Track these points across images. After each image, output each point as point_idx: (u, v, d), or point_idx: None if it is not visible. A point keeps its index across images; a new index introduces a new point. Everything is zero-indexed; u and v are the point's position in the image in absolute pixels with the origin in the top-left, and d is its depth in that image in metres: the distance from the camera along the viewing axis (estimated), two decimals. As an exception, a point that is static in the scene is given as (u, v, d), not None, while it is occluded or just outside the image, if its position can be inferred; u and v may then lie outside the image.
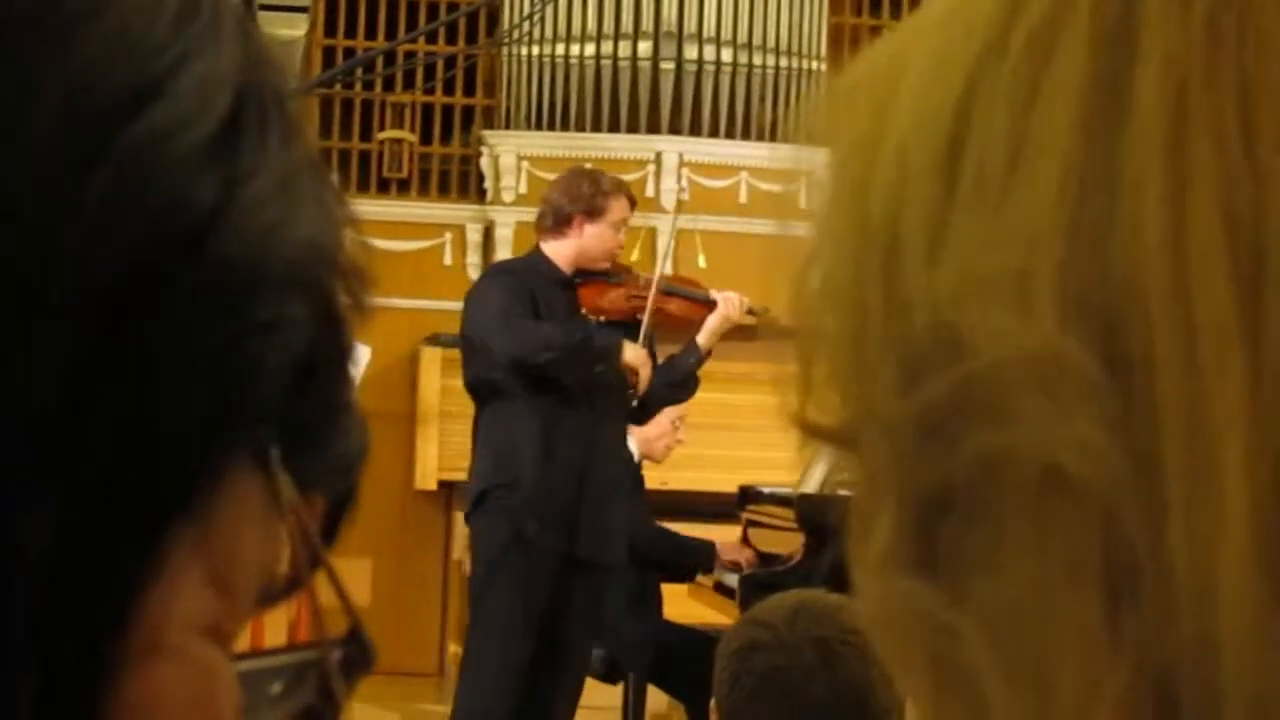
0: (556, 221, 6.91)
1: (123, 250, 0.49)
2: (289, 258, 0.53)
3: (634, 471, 7.66)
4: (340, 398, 0.57)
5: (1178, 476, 0.44)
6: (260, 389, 0.52)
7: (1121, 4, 0.46)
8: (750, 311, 7.39)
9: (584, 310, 6.97)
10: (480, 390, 6.89)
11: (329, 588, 0.60)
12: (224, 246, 0.51)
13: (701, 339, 7.17)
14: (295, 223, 0.54)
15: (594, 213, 6.88)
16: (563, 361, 6.66)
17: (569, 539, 6.74)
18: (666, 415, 7.60)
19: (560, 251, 6.89)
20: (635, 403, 6.97)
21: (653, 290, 7.12)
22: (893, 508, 0.51)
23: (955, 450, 0.48)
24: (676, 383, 7.08)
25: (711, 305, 7.25)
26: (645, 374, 6.90)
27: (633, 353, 6.86)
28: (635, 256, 7.52)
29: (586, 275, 6.96)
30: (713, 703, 2.76)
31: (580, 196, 6.88)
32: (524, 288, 6.83)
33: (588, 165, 7.76)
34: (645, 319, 7.05)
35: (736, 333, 9.16)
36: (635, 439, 7.68)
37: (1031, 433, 0.46)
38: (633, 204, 7.04)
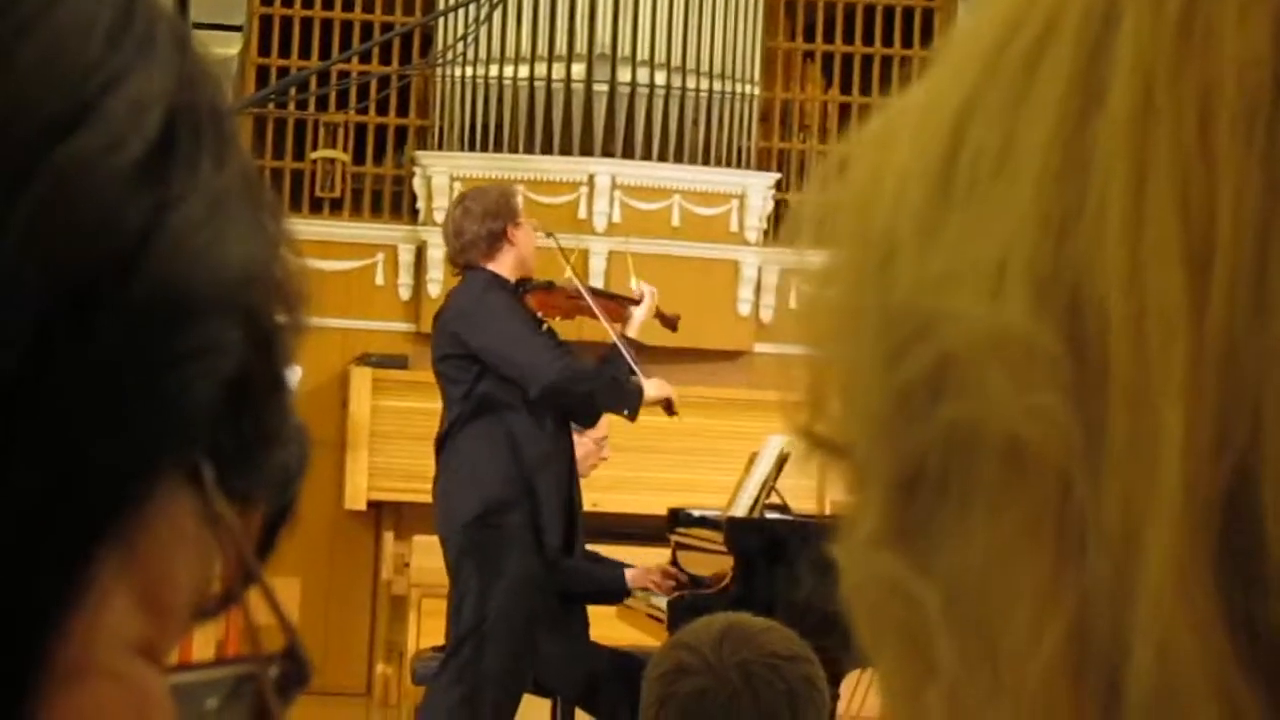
0: (492, 241, 6.96)
1: (49, 273, 0.49)
2: (220, 280, 0.53)
3: None
4: (275, 417, 0.57)
5: (1120, 441, 0.47)
6: (190, 411, 0.52)
7: (1102, 18, 0.49)
8: (656, 311, 7.62)
9: (538, 314, 7.16)
10: (481, 404, 6.91)
11: (264, 604, 0.60)
12: (153, 269, 0.51)
13: (632, 333, 7.39)
14: (227, 245, 0.53)
15: (515, 216, 7.03)
16: (599, 396, 6.96)
17: (566, 543, 6.90)
18: (593, 434, 7.65)
19: (502, 266, 6.97)
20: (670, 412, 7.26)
21: (586, 293, 7.44)
22: (875, 491, 0.53)
23: (926, 426, 0.50)
24: (621, 379, 7.22)
25: (634, 302, 7.52)
26: (673, 395, 7.20)
27: (654, 388, 7.16)
28: (567, 274, 7.54)
29: (527, 285, 7.13)
30: (638, 725, 2.77)
31: (500, 211, 7.00)
32: (513, 306, 6.98)
33: (518, 187, 7.82)
34: (604, 322, 7.33)
35: (664, 356, 9.17)
36: None
37: (995, 405, 0.48)
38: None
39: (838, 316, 0.54)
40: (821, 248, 0.55)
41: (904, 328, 0.50)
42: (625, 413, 7.03)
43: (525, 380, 6.78)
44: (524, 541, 6.76)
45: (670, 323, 7.83)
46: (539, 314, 7.14)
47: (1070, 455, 0.47)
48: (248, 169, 0.56)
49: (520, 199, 7.11)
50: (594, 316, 7.43)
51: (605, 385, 6.93)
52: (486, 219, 6.96)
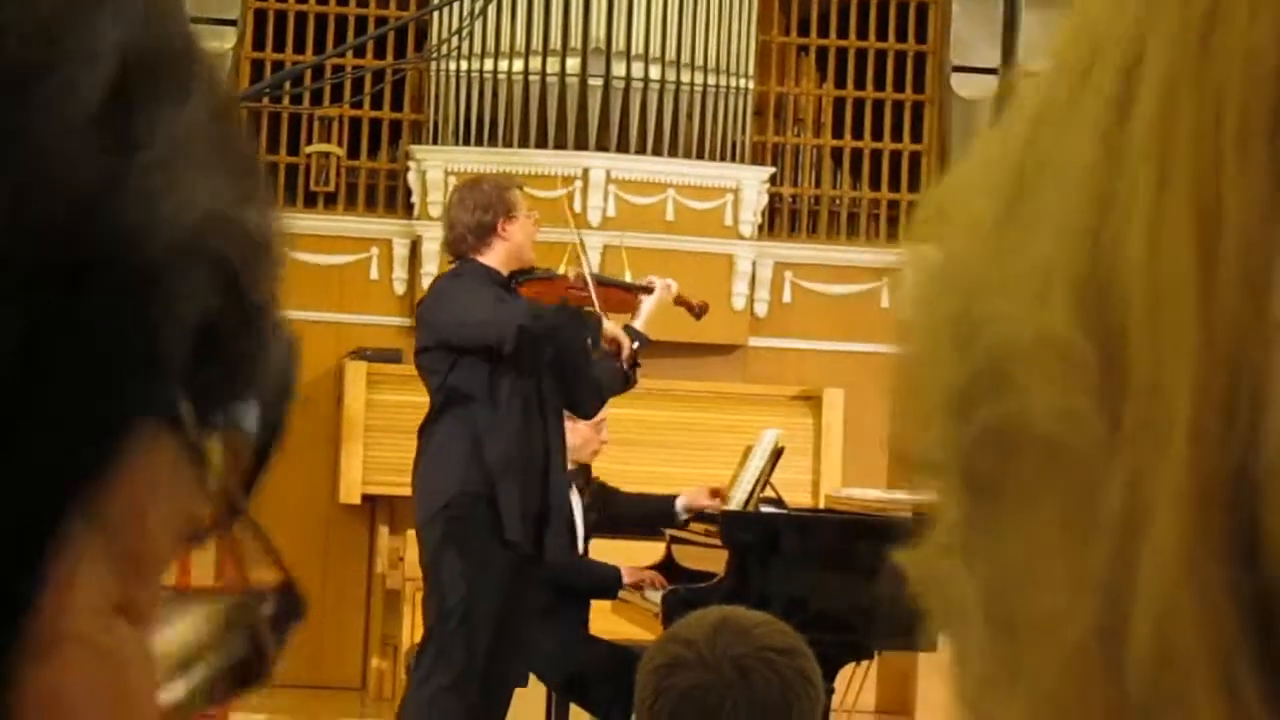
0: (479, 236, 6.93)
1: (4, 225, 0.49)
2: (183, 225, 0.52)
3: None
4: (253, 349, 0.56)
5: (1131, 426, 0.48)
6: (158, 362, 0.52)
7: (1136, 37, 0.51)
8: (677, 298, 7.57)
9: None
10: (451, 396, 6.90)
11: (254, 540, 0.59)
12: (114, 217, 0.51)
13: (639, 323, 7.33)
14: (189, 189, 0.53)
15: (510, 210, 6.97)
16: (562, 328, 6.88)
17: (536, 540, 6.81)
18: (582, 422, 7.67)
19: (494, 258, 6.95)
20: (627, 377, 7.20)
21: (590, 281, 7.31)
22: (945, 497, 0.55)
23: (979, 426, 0.52)
24: (630, 375, 7.23)
25: (642, 291, 7.46)
26: (626, 344, 7.11)
27: (611, 326, 7.11)
28: (562, 270, 7.54)
29: (522, 276, 7.05)
30: (633, 718, 2.77)
31: (491, 203, 6.96)
32: (490, 282, 6.93)
33: (517, 179, 7.81)
34: (598, 309, 7.22)
35: (662, 349, 9.18)
36: None
37: (1034, 407, 0.50)
38: (522, 190, 7.22)
39: (918, 325, 0.56)
40: (917, 262, 0.57)
41: (965, 331, 0.53)
42: (589, 342, 7.02)
43: (495, 338, 6.74)
44: (483, 535, 6.75)
45: (696, 311, 7.77)
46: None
47: (1097, 454, 0.49)
48: (217, 107, 0.55)
49: (517, 193, 7.05)
50: (596, 306, 7.35)
51: (568, 319, 6.93)
52: (477, 211, 6.94)
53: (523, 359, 6.80)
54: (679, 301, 7.64)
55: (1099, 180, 0.51)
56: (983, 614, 0.53)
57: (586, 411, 7.38)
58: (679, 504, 7.90)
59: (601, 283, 7.49)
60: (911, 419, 0.57)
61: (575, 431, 7.68)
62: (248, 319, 0.55)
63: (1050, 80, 0.55)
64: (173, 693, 0.55)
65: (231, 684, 0.57)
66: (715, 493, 7.80)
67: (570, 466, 7.81)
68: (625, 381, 7.24)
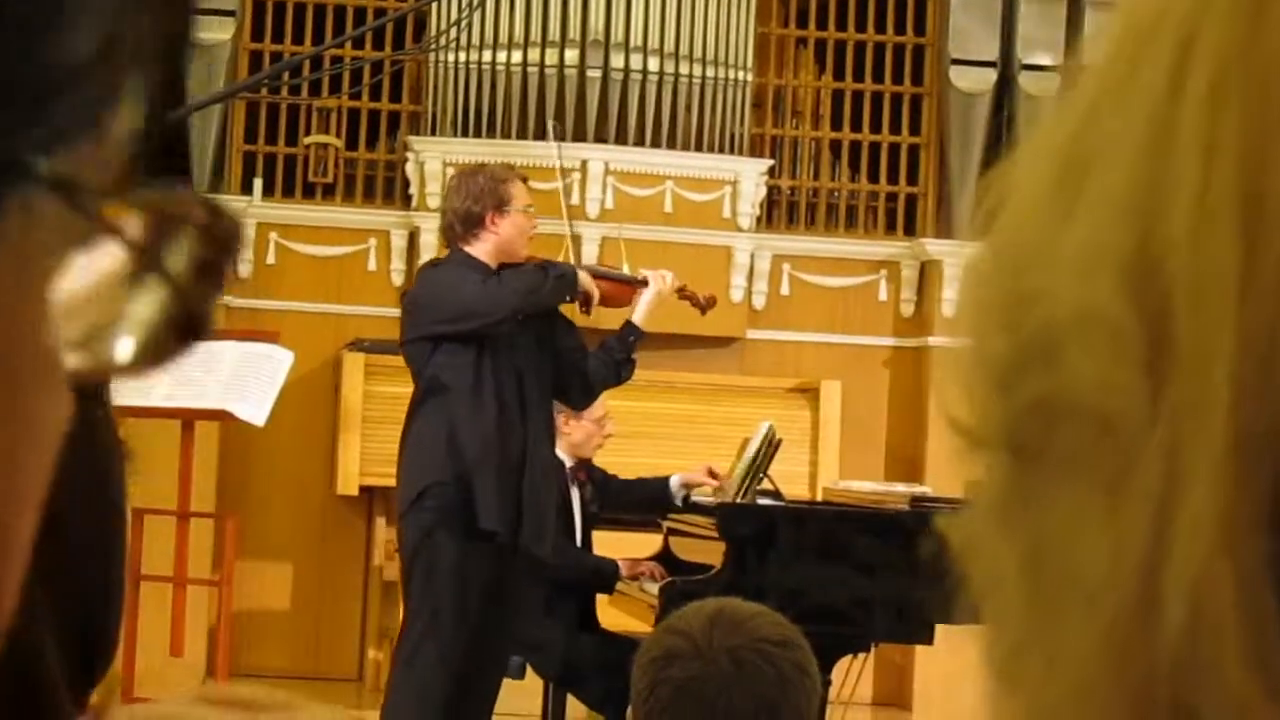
0: (467, 226, 6.90)
1: None
2: None
3: (564, 489, 7.72)
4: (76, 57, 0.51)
5: (1173, 398, 0.50)
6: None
7: (1191, 15, 0.52)
8: (681, 291, 7.50)
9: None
10: (430, 387, 6.90)
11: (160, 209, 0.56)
12: None
13: (636, 317, 7.24)
14: None
15: (501, 204, 6.90)
16: (550, 296, 6.91)
17: (512, 530, 6.78)
18: (590, 416, 7.67)
19: (482, 250, 6.91)
20: (619, 371, 7.17)
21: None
22: (991, 461, 0.56)
23: (1027, 396, 0.53)
24: (620, 362, 7.17)
25: (640, 284, 7.36)
26: (595, 292, 7.10)
27: (583, 277, 7.12)
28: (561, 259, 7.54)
29: (510, 270, 6.98)
30: (630, 710, 2.78)
31: (483, 194, 6.89)
32: (472, 269, 6.89)
33: (519, 171, 7.77)
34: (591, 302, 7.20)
35: (660, 341, 9.17)
36: (564, 444, 7.74)
37: (1081, 379, 0.51)
38: (526, 183, 7.10)
39: (972, 315, 0.57)
40: (980, 236, 0.58)
41: (1016, 305, 0.54)
42: (568, 298, 7.04)
43: (497, 316, 6.74)
44: (459, 524, 6.75)
45: (703, 305, 7.70)
46: None
47: (1142, 427, 0.50)
48: None
49: (515, 186, 6.96)
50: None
51: (555, 285, 6.92)
52: (468, 201, 6.90)
53: (502, 350, 6.78)
54: (684, 295, 7.58)
55: (1149, 160, 0.51)
56: (1021, 581, 0.54)
57: (578, 403, 7.37)
58: (674, 482, 7.90)
59: (594, 274, 7.42)
60: (959, 391, 0.57)
61: (579, 427, 7.70)
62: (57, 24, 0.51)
63: (1106, 62, 0.55)
64: (120, 352, 0.54)
65: (173, 340, 0.55)
66: (712, 472, 7.79)
67: (570, 462, 7.82)
68: (617, 376, 7.21)
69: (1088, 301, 0.51)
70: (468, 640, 6.74)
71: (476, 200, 6.89)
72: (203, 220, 0.55)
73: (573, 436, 7.80)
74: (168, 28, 0.54)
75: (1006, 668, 0.55)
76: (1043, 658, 0.53)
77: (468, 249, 6.91)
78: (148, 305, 0.54)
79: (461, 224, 6.90)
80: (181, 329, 0.55)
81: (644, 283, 7.35)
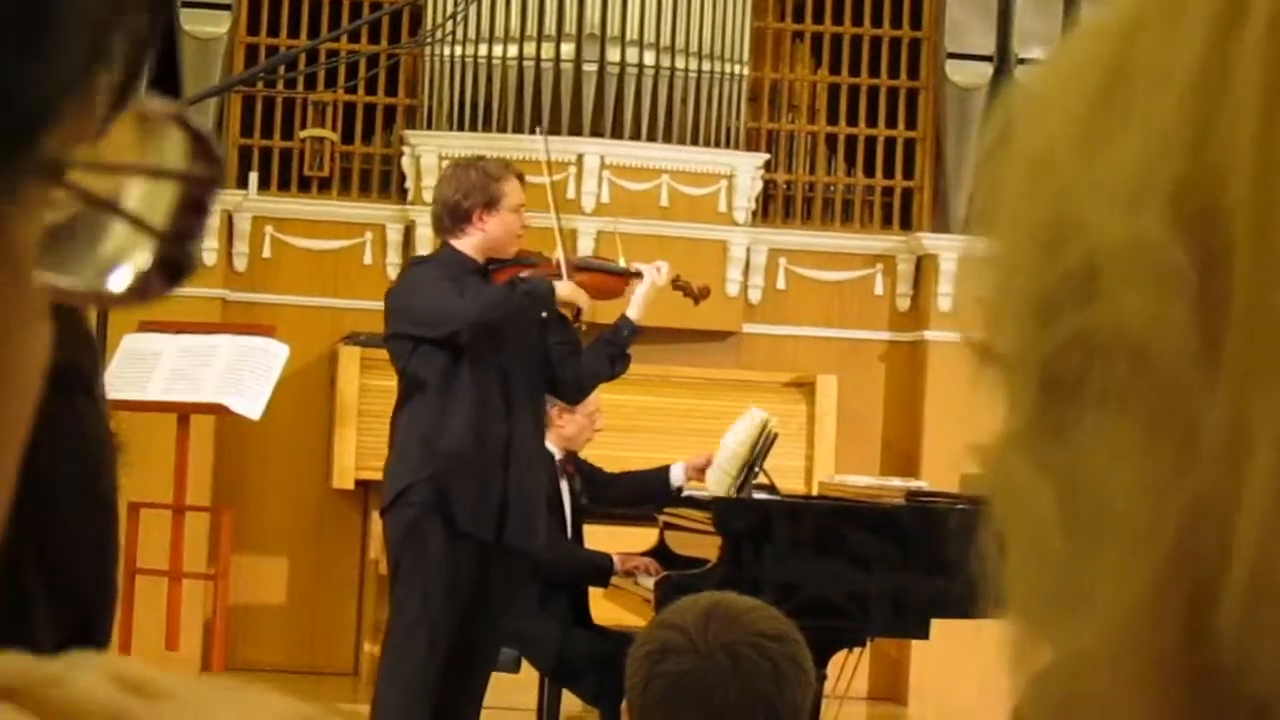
0: (454, 220, 6.87)
1: None
2: None
3: (555, 482, 7.71)
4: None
5: (1236, 352, 0.48)
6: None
7: None
8: (675, 281, 7.45)
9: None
10: (410, 385, 6.89)
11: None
12: None
13: (631, 311, 7.19)
14: None
15: (490, 203, 6.84)
16: (514, 313, 6.75)
17: (495, 528, 6.75)
18: (583, 410, 7.66)
19: (468, 245, 6.87)
20: (612, 366, 7.09)
21: (565, 268, 7.14)
22: (1020, 391, 0.54)
23: (1067, 328, 0.52)
24: (613, 355, 7.11)
25: (630, 276, 7.30)
26: (584, 302, 6.98)
27: (565, 289, 6.94)
28: (558, 255, 7.51)
29: (500, 262, 6.96)
30: (624, 705, 2.78)
31: (473, 190, 6.84)
32: (447, 274, 6.83)
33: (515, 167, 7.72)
34: (564, 274, 7.09)
35: (656, 335, 9.16)
36: (555, 440, 7.74)
37: (1127, 312, 0.50)
38: (522, 181, 6.99)
39: (1002, 221, 0.55)
40: (997, 155, 0.56)
41: (1056, 232, 0.52)
42: (544, 314, 6.85)
43: (451, 328, 6.69)
44: (438, 524, 6.73)
45: (696, 296, 7.66)
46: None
47: (1190, 364, 0.49)
48: None
49: (508, 184, 6.89)
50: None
51: (519, 302, 6.78)
52: (457, 194, 6.85)
53: (483, 348, 6.75)
54: (677, 286, 7.53)
55: (1202, 94, 0.50)
56: (1058, 517, 0.52)
57: (570, 398, 7.34)
58: (676, 471, 7.89)
59: (585, 268, 7.37)
60: (987, 315, 0.56)
61: (572, 421, 7.70)
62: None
63: None
64: (117, 281, 0.56)
65: (162, 277, 0.57)
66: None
67: (560, 455, 7.82)
68: (611, 370, 7.18)
69: (1135, 233, 0.50)
70: (451, 638, 6.73)
71: (466, 195, 6.85)
72: (186, 155, 0.57)
73: (565, 430, 7.80)
74: None
75: (1037, 609, 0.54)
76: (1081, 597, 0.51)
77: (454, 243, 6.89)
78: (133, 243, 0.56)
79: (449, 217, 6.88)
80: (168, 269, 0.57)
81: (637, 275, 7.29)
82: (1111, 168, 0.51)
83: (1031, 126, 0.55)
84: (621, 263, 7.63)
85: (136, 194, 0.56)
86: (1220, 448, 0.48)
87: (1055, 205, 0.52)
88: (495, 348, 6.77)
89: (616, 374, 7.24)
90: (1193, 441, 0.49)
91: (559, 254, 7.19)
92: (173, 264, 0.57)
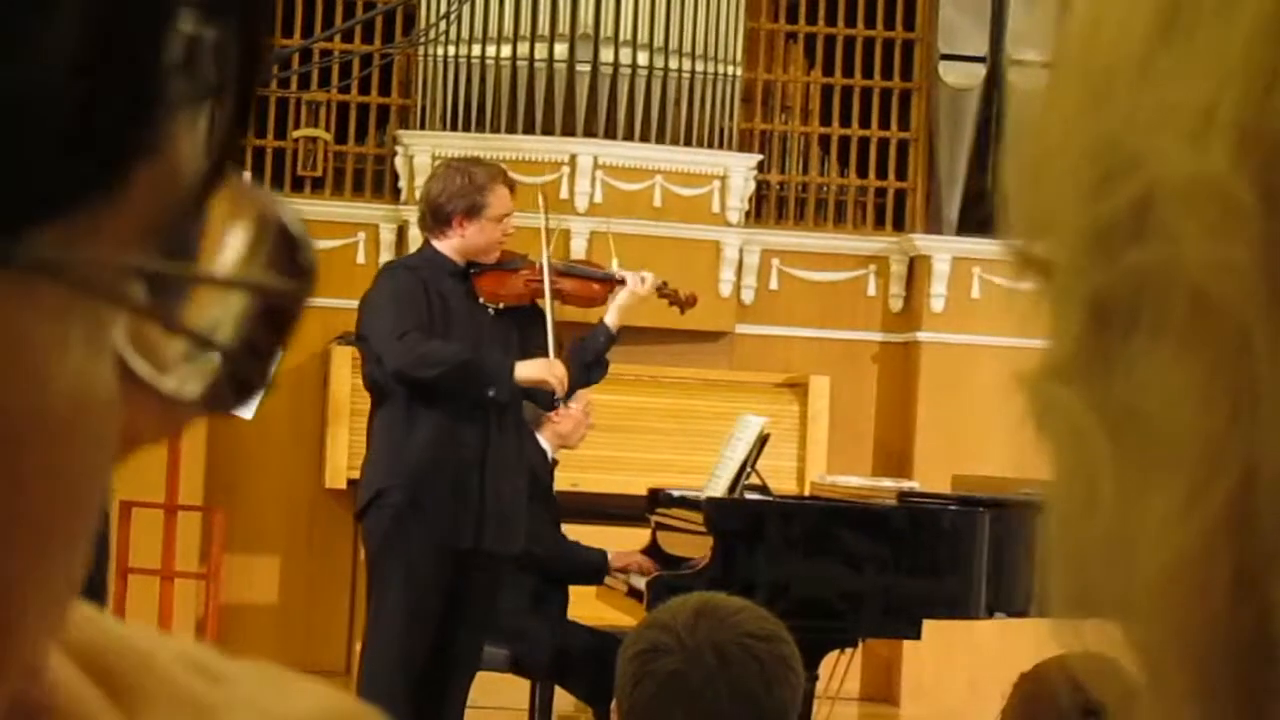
0: (436, 220, 6.83)
1: None
2: None
3: (546, 477, 7.71)
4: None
5: None
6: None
7: None
8: (661, 290, 7.33)
9: (482, 299, 6.91)
10: (374, 391, 6.88)
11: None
12: None
13: (609, 318, 7.07)
14: None
15: (472, 211, 6.78)
16: (449, 379, 6.62)
17: (473, 534, 6.72)
18: (574, 404, 7.64)
19: (448, 247, 6.83)
20: (561, 402, 6.94)
21: (546, 273, 7.02)
22: (1068, 318, 0.52)
23: (1117, 263, 0.50)
24: (589, 363, 7.02)
25: (614, 283, 7.18)
26: (558, 376, 6.81)
27: (530, 369, 6.78)
28: (541, 260, 7.48)
29: (481, 265, 6.88)
30: (613, 704, 2.78)
31: (456, 195, 6.77)
32: (417, 282, 6.76)
33: (501, 164, 7.67)
34: (547, 303, 7.00)
35: (649, 336, 9.16)
36: (548, 436, 7.74)
37: (1185, 252, 0.48)
38: (512, 189, 6.90)
39: (1055, 140, 0.53)
40: (1048, 71, 0.54)
41: (1112, 161, 0.50)
42: (490, 393, 6.69)
43: (384, 362, 6.66)
44: (402, 528, 6.71)
45: (683, 305, 7.51)
46: (489, 298, 6.91)
47: (1253, 312, 0.47)
48: None
49: (494, 194, 6.80)
50: (560, 299, 7.14)
51: (453, 370, 6.62)
52: (442, 196, 6.80)
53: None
54: (663, 294, 7.40)
55: (1276, 22, 0.48)
56: (1112, 456, 0.51)
57: (546, 404, 7.24)
58: (610, 558, 7.80)
59: (568, 273, 7.26)
60: (1031, 227, 0.54)
61: (568, 416, 7.65)
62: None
63: None
64: (187, 390, 0.52)
65: (230, 392, 0.53)
66: (645, 563, 7.67)
67: (554, 452, 7.82)
68: (587, 377, 7.05)
69: (1199, 168, 0.48)
70: (427, 643, 6.73)
71: (450, 199, 6.79)
72: (269, 258, 0.52)
73: (560, 426, 7.79)
74: (227, 51, 0.51)
75: (1085, 551, 0.52)
76: (1129, 545, 0.50)
77: (436, 243, 6.84)
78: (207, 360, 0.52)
79: (432, 217, 6.84)
80: (235, 386, 0.53)
81: (622, 281, 7.18)
82: (1176, 98, 0.49)
83: (1089, 38, 0.53)
84: (615, 265, 7.60)
85: (203, 299, 0.52)
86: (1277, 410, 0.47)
87: (1113, 131, 0.50)
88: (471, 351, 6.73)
89: (593, 380, 7.17)
90: (1253, 397, 0.47)
91: (543, 259, 7.06)
92: (241, 381, 0.53)
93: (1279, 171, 0.47)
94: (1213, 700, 0.49)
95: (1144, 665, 0.50)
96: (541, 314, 6.99)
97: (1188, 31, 0.50)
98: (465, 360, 6.65)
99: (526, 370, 6.76)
